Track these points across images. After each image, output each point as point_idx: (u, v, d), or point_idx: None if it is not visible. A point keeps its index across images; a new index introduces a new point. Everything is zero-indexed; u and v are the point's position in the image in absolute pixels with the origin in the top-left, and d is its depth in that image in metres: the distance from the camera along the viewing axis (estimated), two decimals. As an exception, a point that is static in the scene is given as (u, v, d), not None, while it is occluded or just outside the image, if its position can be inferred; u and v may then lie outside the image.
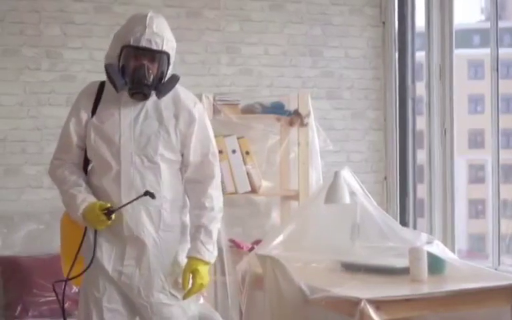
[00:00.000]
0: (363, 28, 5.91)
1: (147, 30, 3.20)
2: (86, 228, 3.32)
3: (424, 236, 4.04)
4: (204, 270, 3.32)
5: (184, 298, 3.34)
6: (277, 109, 5.36)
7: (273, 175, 5.43)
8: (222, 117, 5.20)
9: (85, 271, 3.27)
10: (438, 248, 3.94)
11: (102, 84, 3.38)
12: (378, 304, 3.40)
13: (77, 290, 3.96)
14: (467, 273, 3.89)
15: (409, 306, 3.54)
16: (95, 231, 3.28)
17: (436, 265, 3.88)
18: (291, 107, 5.38)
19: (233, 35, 5.63)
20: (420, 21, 5.68)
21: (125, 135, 3.29)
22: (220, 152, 5.17)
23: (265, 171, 5.39)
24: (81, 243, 3.30)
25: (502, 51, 4.98)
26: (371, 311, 3.35)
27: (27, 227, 4.92)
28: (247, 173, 5.23)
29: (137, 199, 3.22)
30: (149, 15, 3.26)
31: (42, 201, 5.11)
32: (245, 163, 5.24)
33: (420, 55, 5.72)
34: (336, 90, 5.86)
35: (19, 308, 4.60)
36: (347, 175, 4.36)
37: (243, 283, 4.14)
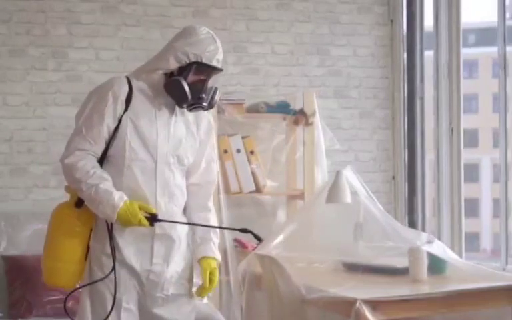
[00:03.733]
0: (371, 26, 5.88)
1: (219, 50, 3.34)
2: (111, 225, 3.24)
3: (424, 236, 4.00)
4: (217, 268, 3.48)
5: (202, 296, 3.45)
6: (282, 108, 5.34)
7: (278, 174, 5.41)
8: (226, 116, 5.19)
9: (112, 270, 3.22)
10: (438, 248, 3.90)
11: (128, 79, 3.33)
12: (374, 304, 3.36)
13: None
14: (468, 273, 3.85)
15: (406, 306, 3.49)
16: (111, 229, 3.24)
17: (437, 265, 3.84)
18: (297, 106, 5.36)
19: (240, 34, 5.62)
20: (428, 20, 5.65)
21: (161, 134, 3.31)
22: (224, 151, 5.20)
23: (271, 171, 5.37)
24: (112, 239, 3.25)
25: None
26: (367, 312, 3.32)
27: (33, 226, 4.91)
28: (252, 173, 5.23)
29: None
30: (211, 31, 3.36)
31: (48, 201, 5.08)
32: (249, 163, 5.23)
33: (429, 54, 5.68)
34: (344, 89, 5.83)
35: (23, 307, 4.64)
36: (349, 175, 4.32)
37: (243, 282, 4.13)
